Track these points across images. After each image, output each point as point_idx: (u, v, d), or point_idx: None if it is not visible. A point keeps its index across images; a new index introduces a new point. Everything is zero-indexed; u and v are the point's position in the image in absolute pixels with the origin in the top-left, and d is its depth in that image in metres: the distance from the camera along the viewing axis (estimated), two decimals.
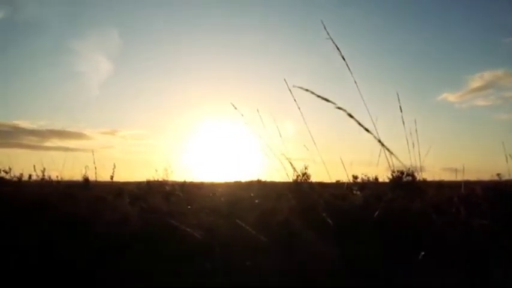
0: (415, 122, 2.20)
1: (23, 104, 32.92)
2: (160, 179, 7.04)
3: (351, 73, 1.98)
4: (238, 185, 5.46)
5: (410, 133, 2.14)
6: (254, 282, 2.42)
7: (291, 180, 5.30)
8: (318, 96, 0.99)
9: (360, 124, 0.91)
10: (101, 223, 2.72)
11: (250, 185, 5.55)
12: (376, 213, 2.73)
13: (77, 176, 5.42)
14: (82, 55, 36.06)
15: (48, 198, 3.07)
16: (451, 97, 37.57)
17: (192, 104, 35.38)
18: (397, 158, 0.97)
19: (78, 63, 36.56)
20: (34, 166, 4.42)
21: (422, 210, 3.24)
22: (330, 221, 2.03)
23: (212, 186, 6.69)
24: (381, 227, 2.76)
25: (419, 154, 2.52)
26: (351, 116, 0.91)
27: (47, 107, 33.26)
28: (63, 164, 4.32)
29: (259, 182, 5.68)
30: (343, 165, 2.94)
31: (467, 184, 4.22)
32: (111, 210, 2.96)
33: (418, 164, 2.33)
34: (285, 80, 2.32)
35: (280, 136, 2.44)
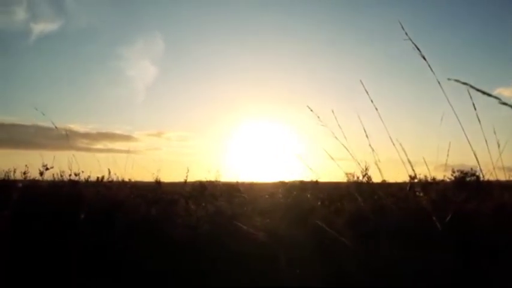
0: None
1: (74, 108, 35.09)
2: (212, 180, 7.27)
3: (433, 73, 1.95)
4: (293, 185, 5.52)
5: (495, 131, 2.07)
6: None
7: (347, 180, 5.25)
8: (478, 90, 0.95)
9: None
10: (177, 227, 2.90)
11: (305, 184, 5.60)
12: (449, 217, 2.68)
13: (138, 177, 5.77)
14: (129, 60, 37.80)
15: (125, 201, 3.31)
16: (506, 92, 34.75)
17: (236, 105, 35.89)
18: None
19: (125, 69, 38.38)
20: (109, 169, 4.81)
21: (496, 212, 3.12)
22: (439, 223, 2.03)
23: (265, 186, 6.80)
24: (454, 230, 2.71)
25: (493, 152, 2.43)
26: None
27: (95, 111, 35.22)
28: (125, 166, 4.64)
29: (316, 182, 5.72)
30: (412, 165, 2.90)
31: None
32: (186, 214, 3.15)
33: (482, 164, 2.23)
34: (361, 81, 2.35)
35: (367, 137, 2.47)
